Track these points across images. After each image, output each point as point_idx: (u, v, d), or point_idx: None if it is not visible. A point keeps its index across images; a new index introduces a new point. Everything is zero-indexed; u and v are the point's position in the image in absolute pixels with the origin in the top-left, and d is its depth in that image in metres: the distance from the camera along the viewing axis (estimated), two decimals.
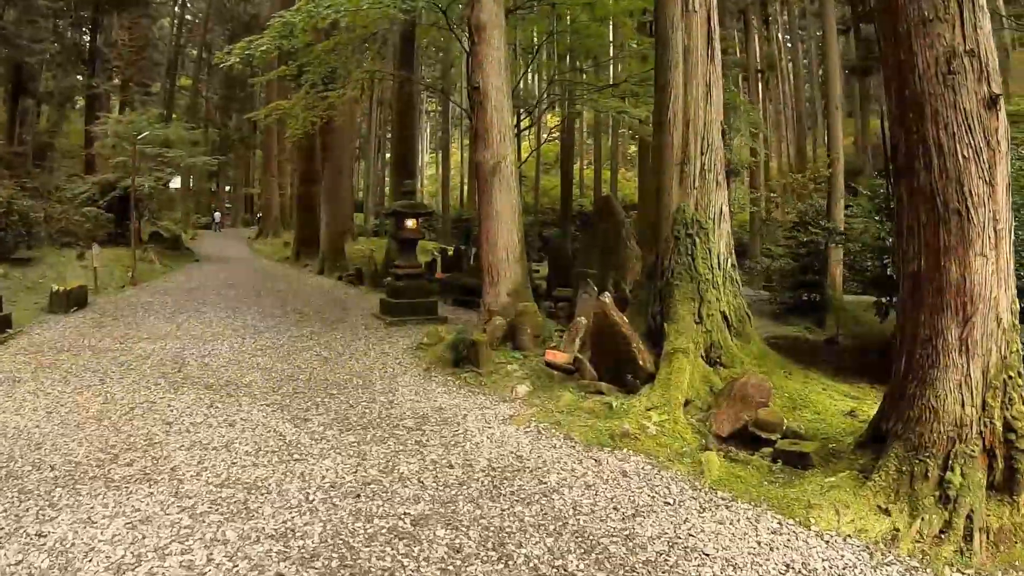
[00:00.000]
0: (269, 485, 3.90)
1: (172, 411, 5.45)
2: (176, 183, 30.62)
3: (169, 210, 27.57)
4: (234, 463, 4.26)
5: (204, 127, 36.00)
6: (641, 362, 6.09)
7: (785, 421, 5.20)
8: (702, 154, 6.78)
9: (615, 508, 3.82)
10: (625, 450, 4.83)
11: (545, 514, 3.69)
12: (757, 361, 6.64)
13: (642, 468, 4.50)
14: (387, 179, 45.13)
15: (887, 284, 6.74)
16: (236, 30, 32.15)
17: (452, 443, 4.85)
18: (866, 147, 25.26)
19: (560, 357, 6.77)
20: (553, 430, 5.24)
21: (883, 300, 7.27)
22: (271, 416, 5.35)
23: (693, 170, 6.74)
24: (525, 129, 15.44)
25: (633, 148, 45.02)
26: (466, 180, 42.66)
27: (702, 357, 6.31)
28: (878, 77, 27.80)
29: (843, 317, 11.91)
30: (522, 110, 15.04)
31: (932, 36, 3.88)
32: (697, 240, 6.66)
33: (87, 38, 27.11)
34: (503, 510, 3.71)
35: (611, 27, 15.94)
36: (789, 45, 32.19)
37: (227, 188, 47.47)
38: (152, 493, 3.77)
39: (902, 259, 4.26)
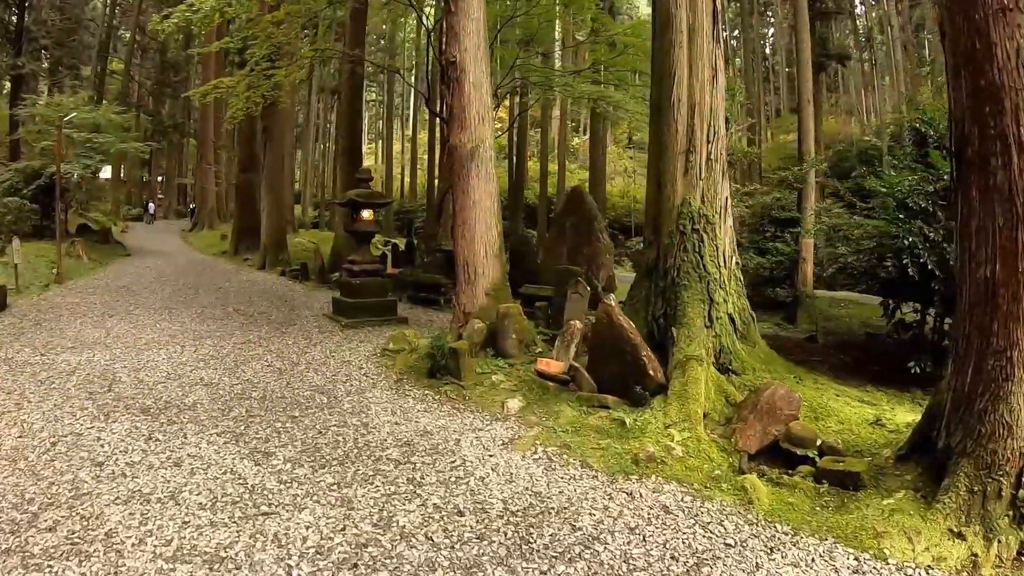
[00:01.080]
0: (236, 555, 2.98)
1: (103, 446, 4.36)
2: (107, 172, 28.55)
3: (98, 201, 25.37)
4: (186, 522, 3.30)
5: (136, 113, 33.31)
6: (651, 372, 5.48)
7: (819, 435, 4.74)
8: (708, 142, 6.23)
9: (673, 557, 3.18)
10: (654, 477, 4.21)
11: (596, 574, 2.98)
12: (766, 366, 6.18)
13: (682, 500, 3.88)
14: (324, 170, 43.35)
15: (901, 286, 6.39)
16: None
17: (452, 480, 4.05)
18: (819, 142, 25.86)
19: (554, 366, 6.07)
20: (565, 456, 4.54)
21: (890, 302, 6.97)
22: (224, 450, 4.37)
23: (699, 160, 6.18)
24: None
25: (576, 140, 44.96)
26: (407, 171, 41.38)
27: (712, 363, 5.80)
28: (827, 75, 28.74)
29: (813, 313, 11.87)
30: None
31: (1012, 26, 3.50)
32: (705, 236, 6.11)
33: (14, 16, 24.92)
34: (543, 573, 2.98)
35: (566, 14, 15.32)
36: (734, 42, 32.76)
37: (160, 178, 44.40)
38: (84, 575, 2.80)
39: (968, 262, 3.82)
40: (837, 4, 21.47)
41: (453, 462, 4.34)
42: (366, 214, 9.95)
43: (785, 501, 3.91)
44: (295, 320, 9.75)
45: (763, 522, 3.63)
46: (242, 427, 4.87)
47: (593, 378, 5.85)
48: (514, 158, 27.29)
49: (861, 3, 30.91)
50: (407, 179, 41.02)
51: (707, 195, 6.21)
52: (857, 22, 30.24)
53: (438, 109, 14.69)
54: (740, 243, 13.80)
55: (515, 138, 26.82)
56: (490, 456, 4.48)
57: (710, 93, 6.26)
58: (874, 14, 32.02)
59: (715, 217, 6.22)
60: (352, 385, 6.24)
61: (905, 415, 5.43)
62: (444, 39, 7.68)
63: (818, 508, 3.80)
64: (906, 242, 5.94)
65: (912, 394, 6.54)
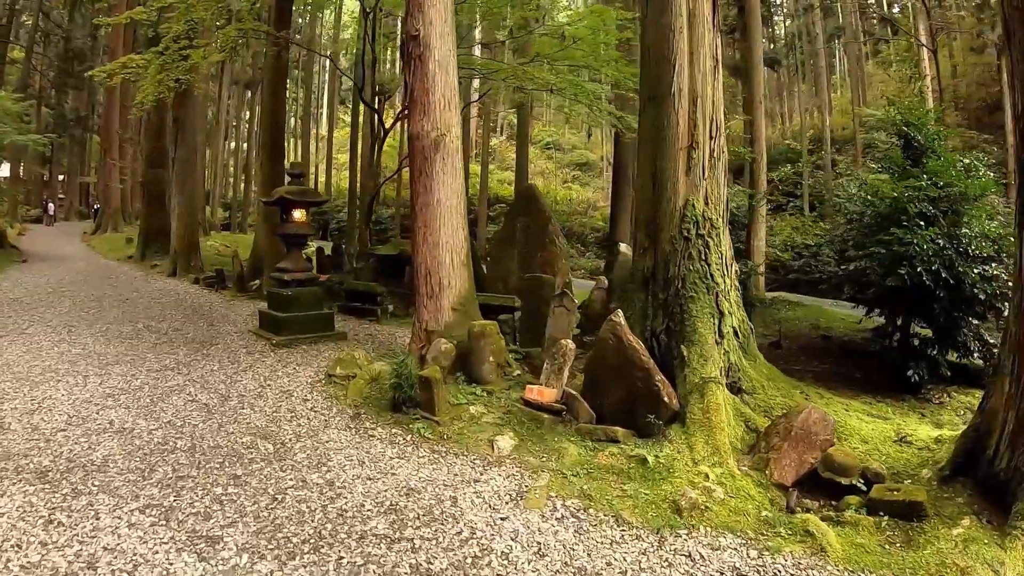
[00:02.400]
0: None
1: None
2: (4, 170, 24.90)
3: None
4: None
5: (37, 104, 29.37)
6: (666, 399, 4.81)
7: (860, 461, 4.25)
8: (711, 138, 5.65)
9: None
10: (703, 529, 3.56)
11: None
12: (771, 383, 5.68)
13: (749, 556, 3.27)
14: (235, 169, 40.15)
15: (899, 297, 6.08)
16: None
17: (469, 560, 3.15)
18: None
19: (547, 394, 5.26)
20: (591, 510, 3.76)
21: (875, 310, 6.69)
22: (153, 537, 3.21)
23: (702, 157, 5.58)
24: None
25: (494, 141, 44.19)
26: (322, 169, 39.09)
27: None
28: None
29: (765, 317, 11.80)
30: None
31: None
32: (710, 242, 5.52)
33: None
34: None
35: None
36: None
37: (61, 177, 39.69)
38: None
39: None
40: (768, 10, 22.03)
41: (459, 533, 3.43)
42: (298, 214, 8.70)
43: (854, 543, 3.42)
44: (217, 338, 8.37)
45: (846, 573, 3.14)
46: (171, 496, 3.70)
47: (591, 406, 5.12)
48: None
49: (783, 10, 32.27)
50: (322, 178, 38.75)
51: (711, 196, 5.62)
52: (774, 29, 31.54)
53: (368, 101, 13.50)
54: None
55: None
56: (502, 519, 3.61)
57: (711, 84, 5.68)
58: (789, 22, 33.54)
59: (719, 221, 5.65)
60: (301, 425, 5.14)
61: (926, 430, 5.08)
62: (406, 10, 6.63)
63: (886, 546, 3.39)
64: (912, 248, 5.60)
65: (909, 403, 6.28)
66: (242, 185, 36.42)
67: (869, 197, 6.82)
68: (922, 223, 5.87)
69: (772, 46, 29.23)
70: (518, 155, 28.24)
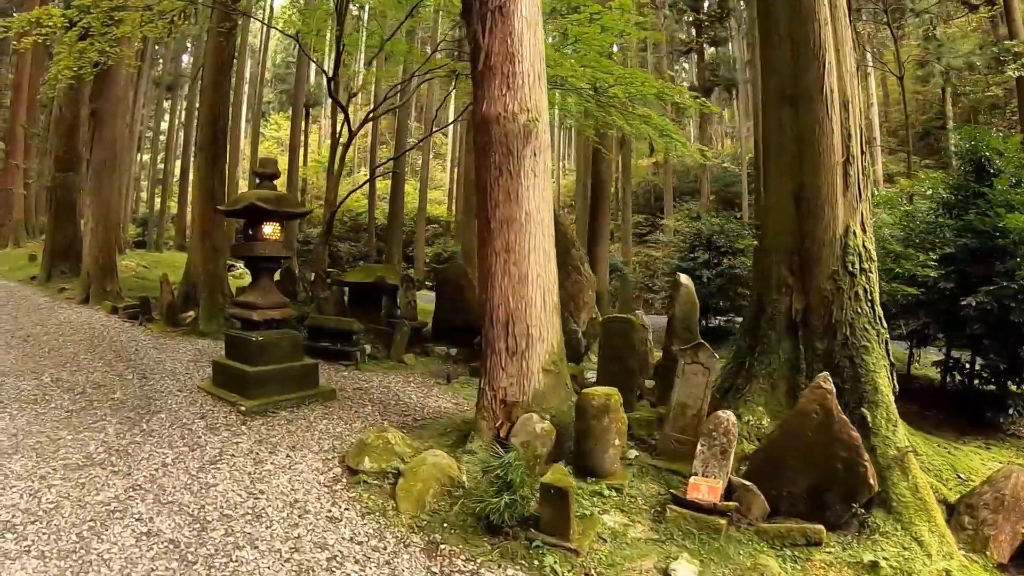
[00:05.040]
0: None
1: None
2: None
3: None
4: None
5: None
6: (871, 481, 3.66)
7: None
8: (862, 152, 4.40)
9: None
10: None
11: None
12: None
13: None
14: (148, 183, 35.98)
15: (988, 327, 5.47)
16: None
17: None
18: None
19: (711, 489, 3.75)
20: None
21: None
22: None
23: (857, 174, 4.30)
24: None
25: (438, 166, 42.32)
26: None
27: None
28: (716, 97, 29.56)
29: None
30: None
31: None
32: (870, 278, 4.25)
33: None
34: None
35: None
36: None
37: None
38: None
39: None
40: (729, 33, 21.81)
41: None
42: (269, 229, 6.63)
43: None
44: (157, 400, 6.24)
45: None
46: None
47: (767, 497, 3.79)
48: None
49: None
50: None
51: (866, 222, 4.36)
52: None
53: (336, 96, 11.60)
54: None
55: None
56: None
57: (857, 87, 4.45)
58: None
59: (873, 252, 4.39)
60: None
61: None
62: None
63: None
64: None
65: (1000, 443, 5.73)
66: (157, 200, 32.70)
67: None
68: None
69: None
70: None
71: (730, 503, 3.75)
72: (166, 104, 36.55)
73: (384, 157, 27.58)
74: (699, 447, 3.93)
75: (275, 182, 6.86)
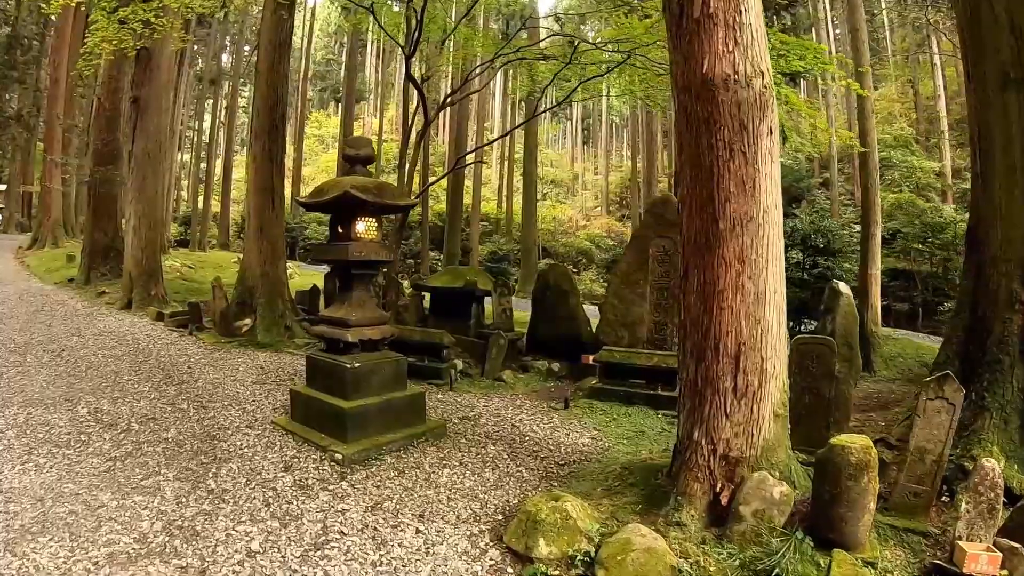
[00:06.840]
0: None
1: None
2: None
3: None
4: None
5: None
6: None
7: None
8: None
9: None
10: None
11: None
12: None
13: None
14: (189, 180, 35.38)
15: None
16: None
17: None
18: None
19: (992, 560, 2.75)
20: None
21: None
22: None
23: None
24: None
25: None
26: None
27: None
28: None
29: (884, 357, 10.02)
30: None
31: None
32: None
33: None
34: None
35: None
36: None
37: (1, 187, 33.99)
38: None
39: None
40: None
41: None
42: (363, 226, 5.13)
43: None
44: (223, 443, 4.78)
45: None
46: None
47: None
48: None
49: None
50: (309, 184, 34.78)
51: None
52: None
53: (413, 78, 10.14)
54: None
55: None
56: None
57: None
58: None
59: None
60: None
61: None
62: None
63: None
64: None
65: None
66: (200, 197, 32.02)
67: None
68: None
69: None
70: (526, 162, 25.45)
71: (1003, 571, 2.82)
72: (206, 104, 35.96)
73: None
74: (964, 505, 3.16)
75: (369, 167, 5.39)
